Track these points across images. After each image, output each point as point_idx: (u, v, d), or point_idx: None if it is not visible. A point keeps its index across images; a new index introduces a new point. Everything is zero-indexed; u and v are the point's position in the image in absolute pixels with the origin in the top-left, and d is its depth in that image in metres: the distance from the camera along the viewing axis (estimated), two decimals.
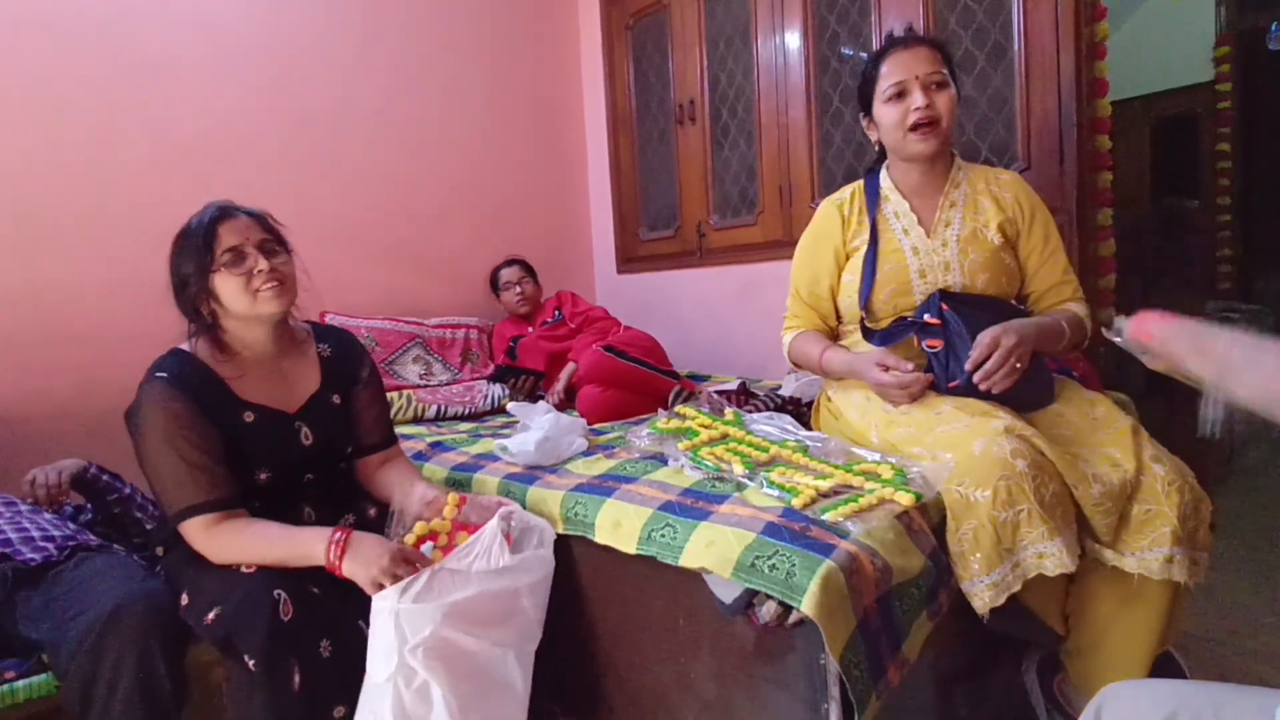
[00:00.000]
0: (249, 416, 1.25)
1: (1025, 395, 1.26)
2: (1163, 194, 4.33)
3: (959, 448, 1.16)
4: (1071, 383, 1.37)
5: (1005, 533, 1.08)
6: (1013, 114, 1.99)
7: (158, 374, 1.18)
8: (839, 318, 1.55)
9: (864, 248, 1.46)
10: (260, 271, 1.22)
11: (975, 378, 1.23)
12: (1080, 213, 1.91)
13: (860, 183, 1.53)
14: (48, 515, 1.51)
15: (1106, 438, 1.18)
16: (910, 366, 1.31)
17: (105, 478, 1.63)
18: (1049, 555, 1.07)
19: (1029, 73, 1.94)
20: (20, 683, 1.16)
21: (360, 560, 1.10)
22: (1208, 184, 4.17)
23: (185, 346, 1.26)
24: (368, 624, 1.17)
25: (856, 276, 1.46)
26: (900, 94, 1.35)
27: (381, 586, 1.08)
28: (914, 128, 1.34)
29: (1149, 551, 1.11)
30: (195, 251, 1.20)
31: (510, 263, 2.73)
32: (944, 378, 1.30)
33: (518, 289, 2.66)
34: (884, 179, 1.48)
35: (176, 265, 1.24)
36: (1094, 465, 1.15)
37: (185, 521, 1.15)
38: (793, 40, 2.48)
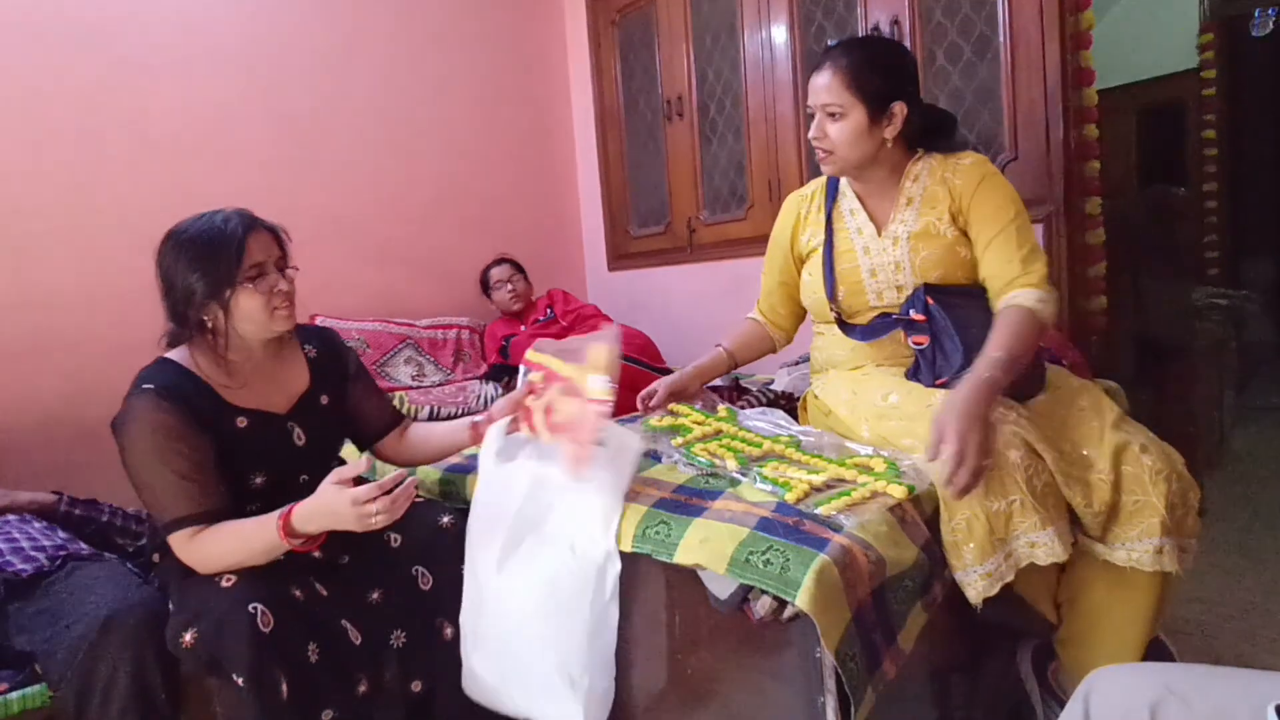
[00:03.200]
0: (241, 422, 1.23)
1: (1015, 386, 1.26)
2: (1150, 182, 4.36)
3: None
4: (1060, 371, 1.37)
5: (998, 523, 1.08)
6: (999, 105, 2.00)
7: (144, 385, 1.15)
8: (804, 312, 1.61)
9: (821, 247, 1.48)
10: (280, 291, 1.21)
11: (950, 495, 1.09)
12: (1069, 202, 1.93)
13: (824, 179, 1.53)
14: (37, 525, 1.51)
15: (1090, 432, 1.18)
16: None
17: (77, 511, 1.60)
18: (1041, 545, 1.08)
19: (1014, 63, 1.95)
20: (14, 694, 1.16)
21: (322, 515, 1.08)
22: (1194, 171, 4.20)
23: (172, 355, 1.23)
24: (352, 623, 1.18)
25: (816, 276, 1.49)
26: (812, 115, 1.39)
27: (370, 522, 1.06)
28: (816, 151, 1.39)
29: (1138, 543, 1.11)
30: (218, 262, 1.16)
31: (499, 261, 2.73)
32: (931, 374, 1.31)
33: (509, 286, 2.65)
34: (843, 177, 1.49)
35: (180, 271, 1.18)
36: (1080, 469, 1.15)
37: (173, 534, 1.13)
38: (779, 34, 2.48)
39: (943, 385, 1.28)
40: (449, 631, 1.28)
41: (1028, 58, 1.92)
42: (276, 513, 1.11)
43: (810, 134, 1.39)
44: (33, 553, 1.38)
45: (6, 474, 1.75)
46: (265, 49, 2.40)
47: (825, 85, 1.33)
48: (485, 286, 2.73)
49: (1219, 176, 4.14)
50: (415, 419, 1.55)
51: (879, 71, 1.33)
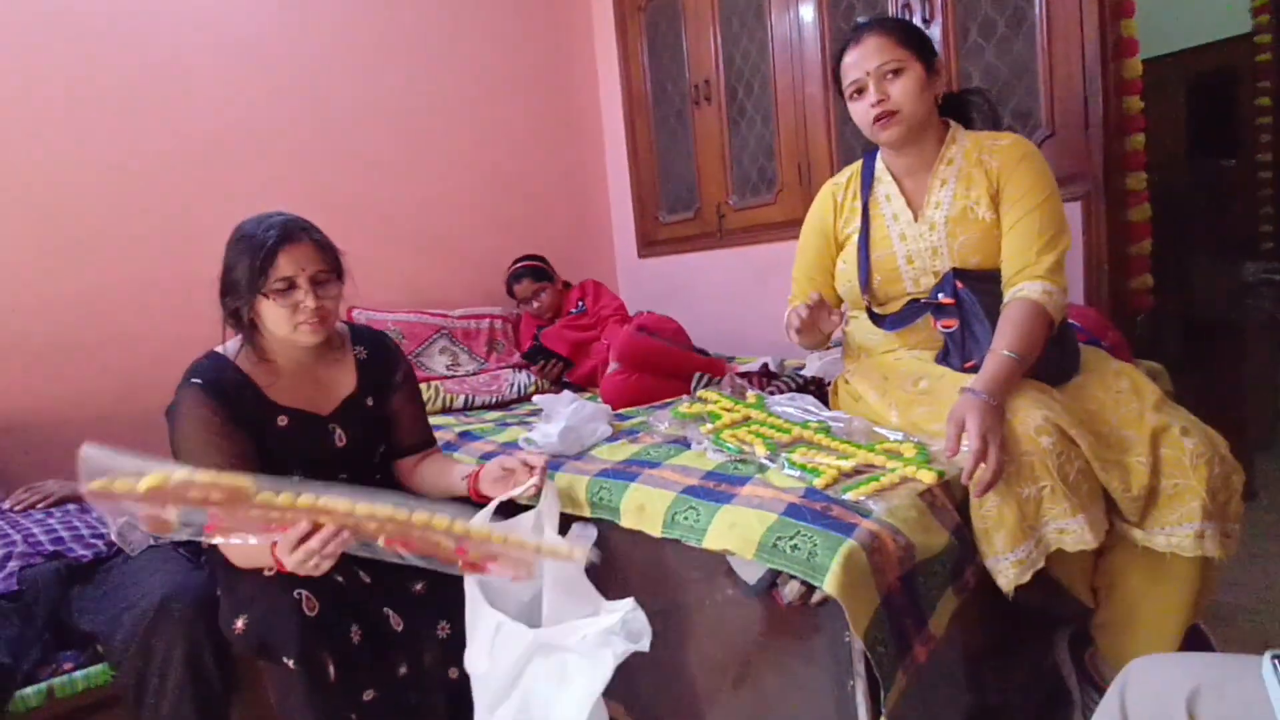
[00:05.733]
0: (282, 420, 1.26)
1: (1049, 367, 1.24)
2: (1199, 154, 4.18)
3: None
4: (1098, 352, 1.34)
5: (1028, 509, 1.07)
6: (1035, 80, 1.94)
7: (193, 379, 1.19)
8: (841, 301, 1.56)
9: (856, 235, 1.46)
10: (305, 308, 1.21)
11: (974, 495, 1.10)
12: (1109, 178, 1.86)
13: (860, 163, 1.52)
14: (96, 513, 1.58)
15: (1129, 415, 1.15)
16: (814, 301, 1.32)
17: None
18: (1070, 531, 1.06)
19: (1051, 36, 1.89)
20: (79, 673, 1.23)
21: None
22: (1247, 142, 4.01)
23: (221, 349, 1.27)
24: (394, 608, 1.21)
25: (850, 264, 1.47)
26: (859, 90, 1.36)
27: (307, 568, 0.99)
28: (876, 120, 1.35)
29: (1178, 527, 1.09)
30: (250, 268, 1.19)
31: (520, 275, 2.66)
32: (961, 357, 1.29)
33: (534, 304, 2.66)
34: (879, 160, 1.47)
35: (229, 268, 1.22)
36: (1117, 453, 1.13)
37: None
38: (807, 14, 2.44)
39: (972, 368, 1.26)
40: None
41: (1065, 30, 1.86)
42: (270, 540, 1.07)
43: (870, 100, 1.33)
44: (92, 539, 1.46)
45: (67, 465, 1.84)
46: (299, 46, 2.45)
47: (877, 47, 1.32)
48: (511, 294, 2.72)
49: (1273, 147, 3.95)
50: (438, 448, 1.53)
51: (918, 31, 1.36)
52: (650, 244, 3.20)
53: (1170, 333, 2.47)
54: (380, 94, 2.63)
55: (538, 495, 1.26)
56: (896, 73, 1.32)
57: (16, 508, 1.55)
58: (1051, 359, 1.25)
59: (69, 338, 2.01)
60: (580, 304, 2.65)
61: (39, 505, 1.56)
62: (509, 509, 1.24)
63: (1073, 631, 1.34)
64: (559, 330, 2.57)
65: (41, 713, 1.18)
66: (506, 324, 2.76)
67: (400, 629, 1.22)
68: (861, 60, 1.34)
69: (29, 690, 1.18)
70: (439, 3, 2.76)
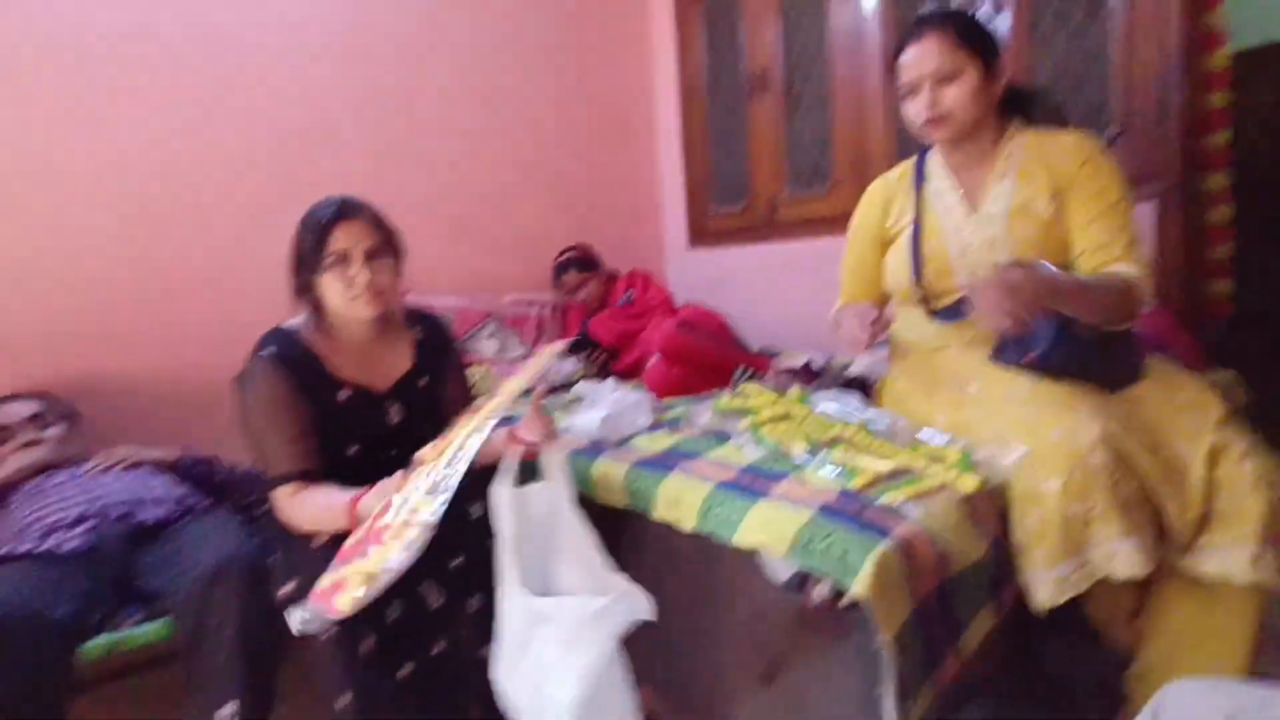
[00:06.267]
0: (342, 395, 1.33)
1: (1108, 373, 1.19)
2: None
3: (1033, 435, 1.10)
4: (1162, 362, 1.28)
5: (1074, 528, 1.03)
6: (1109, 72, 1.85)
7: (265, 350, 1.28)
8: (887, 299, 1.53)
9: (908, 229, 1.43)
10: (359, 282, 1.27)
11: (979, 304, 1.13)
12: (1186, 178, 1.77)
13: (913, 160, 1.49)
14: (162, 478, 1.67)
15: (1187, 429, 1.09)
16: (873, 317, 1.29)
17: (197, 467, 1.76)
18: (1120, 554, 1.01)
19: (1129, 27, 1.79)
20: (140, 628, 1.30)
21: (380, 498, 1.13)
22: None
23: (289, 324, 1.35)
24: (436, 585, 1.24)
25: (900, 258, 1.44)
26: (913, 91, 1.32)
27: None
28: (926, 123, 1.31)
29: (1231, 550, 1.02)
30: (308, 245, 1.28)
31: (567, 265, 2.68)
32: (1018, 351, 1.24)
33: (580, 294, 2.67)
34: (932, 155, 1.44)
35: (296, 246, 1.31)
36: (1174, 470, 1.07)
37: (278, 488, 1.25)
38: (868, 3, 2.38)
39: (1030, 363, 1.20)
40: None
41: (1144, 20, 1.76)
42: (350, 495, 1.18)
43: (921, 104, 1.30)
44: (158, 503, 1.55)
45: (141, 431, 1.95)
46: (359, 43, 2.51)
47: (934, 50, 1.28)
48: (558, 285, 2.74)
49: None
50: None
51: (979, 29, 1.31)
52: (701, 235, 3.18)
53: (1254, 340, 2.32)
54: (440, 86, 2.67)
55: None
56: (950, 77, 1.28)
57: (93, 471, 1.65)
58: (1113, 361, 1.20)
59: (147, 311, 2.13)
60: (629, 294, 2.66)
61: (113, 469, 1.66)
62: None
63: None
64: (606, 320, 2.58)
65: (104, 664, 1.26)
66: (555, 311, 2.79)
67: (438, 605, 1.26)
68: (918, 62, 1.30)
69: (95, 642, 1.26)
70: None
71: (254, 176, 2.28)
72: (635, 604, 1.05)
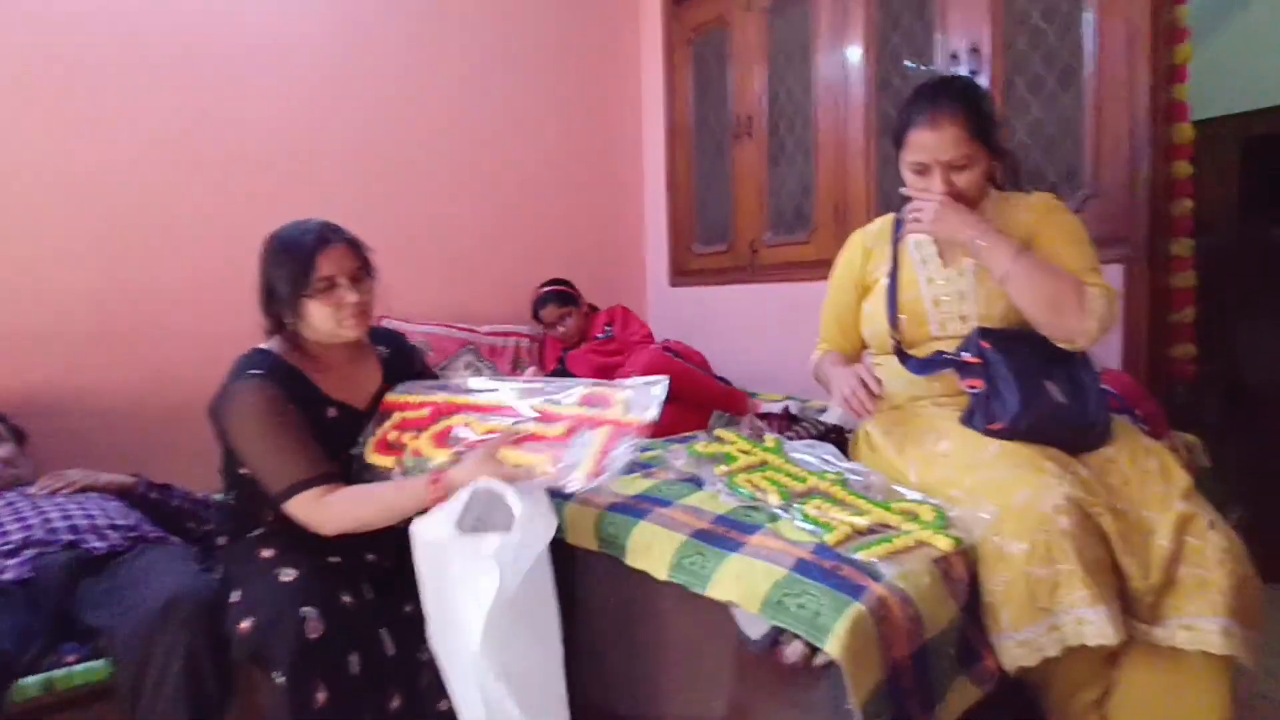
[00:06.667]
0: (332, 412, 1.33)
1: (1075, 437, 1.21)
2: (1251, 217, 4.06)
3: (1000, 495, 1.11)
4: (1128, 427, 1.30)
5: (1041, 590, 1.03)
6: (1080, 138, 1.91)
7: (251, 371, 1.24)
8: (865, 345, 1.58)
9: (884, 279, 1.47)
10: (348, 304, 1.28)
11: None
12: (1153, 242, 1.82)
13: (892, 216, 1.54)
14: (114, 504, 1.61)
15: (1154, 496, 1.11)
16: (877, 386, 1.34)
17: (153, 494, 1.70)
18: (1090, 623, 1.01)
19: (1101, 96, 1.86)
20: (79, 666, 1.23)
21: (467, 469, 1.13)
22: None
23: (266, 346, 1.33)
24: (389, 632, 1.21)
25: (876, 306, 1.48)
26: (922, 171, 1.35)
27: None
28: None
29: (1201, 619, 1.03)
30: (291, 272, 1.26)
31: (547, 299, 2.65)
32: (984, 418, 1.26)
33: (560, 328, 2.65)
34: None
35: (269, 275, 1.29)
36: (1138, 533, 1.08)
37: (295, 496, 1.19)
38: (853, 55, 2.44)
39: (997, 431, 1.23)
40: None
41: (1115, 91, 1.83)
42: (421, 478, 1.17)
43: (936, 187, 1.33)
44: (107, 531, 1.48)
45: (92, 455, 1.88)
46: (348, 69, 2.51)
47: (952, 140, 1.30)
48: (537, 318, 2.71)
49: None
50: None
51: (990, 117, 1.36)
52: (682, 273, 3.20)
53: (1212, 402, 2.39)
54: (425, 114, 2.68)
55: None
56: (966, 166, 1.32)
57: (40, 493, 1.58)
58: (1078, 423, 1.22)
59: (109, 328, 2.07)
60: (607, 329, 2.65)
61: (61, 492, 1.59)
62: None
63: None
64: (584, 354, 2.57)
65: (40, 702, 1.19)
66: (533, 343, 2.77)
67: (392, 654, 1.22)
68: (934, 148, 1.32)
69: (29, 680, 1.18)
70: (490, 27, 2.82)
71: (233, 199, 2.25)
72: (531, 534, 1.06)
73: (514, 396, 1.31)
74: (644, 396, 1.21)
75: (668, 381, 1.23)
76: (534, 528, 1.07)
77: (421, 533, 1.11)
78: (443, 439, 1.28)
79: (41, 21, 1.97)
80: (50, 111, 1.98)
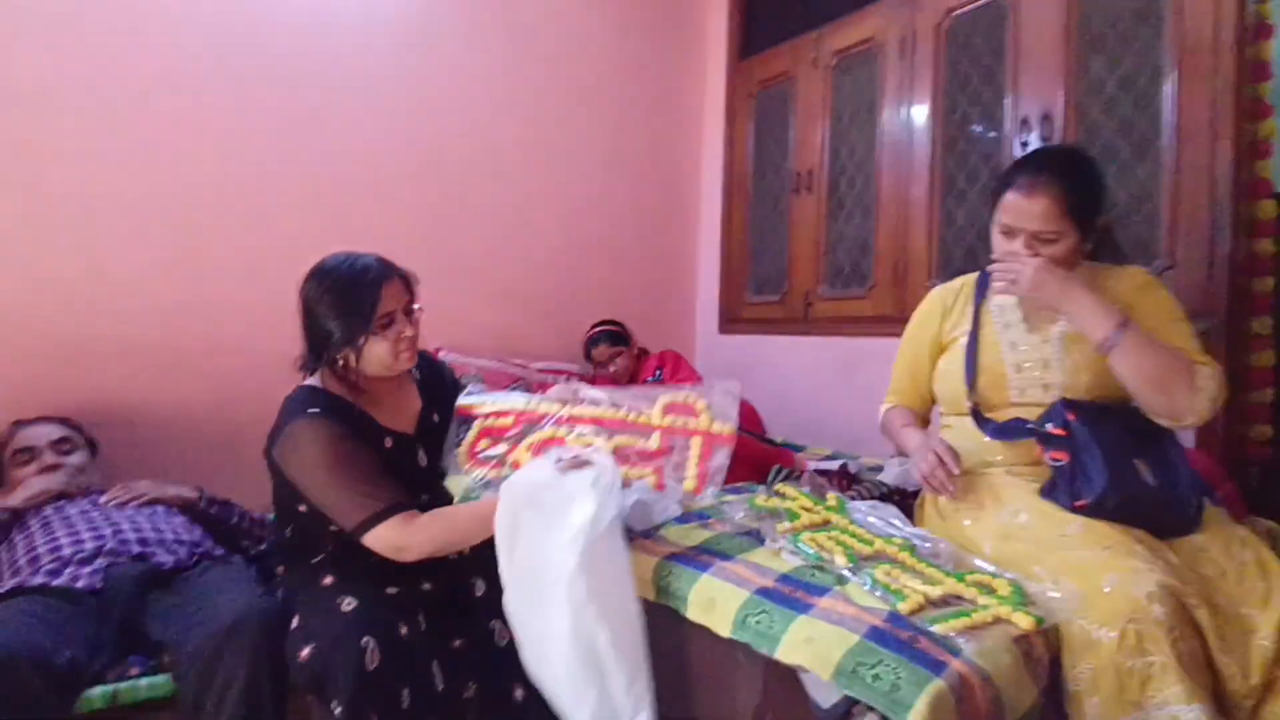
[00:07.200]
0: (388, 442, 1.33)
1: (1166, 520, 1.16)
2: None
3: (1086, 578, 1.07)
4: (1219, 513, 1.25)
5: (1131, 682, 0.98)
6: (1156, 210, 1.89)
7: (310, 409, 1.23)
8: (935, 401, 1.57)
9: (963, 338, 1.45)
10: (406, 338, 1.30)
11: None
12: (1231, 321, 1.78)
13: (975, 275, 1.52)
14: (179, 519, 1.64)
15: (1252, 592, 1.06)
16: (955, 465, 1.32)
17: (214, 509, 1.73)
18: None
19: (1179, 169, 1.84)
20: (143, 680, 1.25)
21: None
22: None
23: (315, 382, 1.32)
24: (439, 669, 1.21)
25: (953, 365, 1.46)
26: (1009, 233, 1.34)
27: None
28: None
29: None
30: (353, 310, 1.24)
31: (599, 339, 2.68)
32: (1069, 494, 1.22)
33: (610, 368, 2.67)
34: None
35: (321, 314, 1.26)
36: (1236, 630, 1.03)
37: (376, 527, 1.18)
38: (919, 116, 2.46)
39: (1082, 509, 1.19)
40: (519, 694, 1.26)
41: (1195, 163, 1.81)
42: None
43: (1020, 251, 1.33)
44: (175, 545, 1.51)
45: (158, 465, 1.93)
46: (428, 99, 2.61)
47: (1042, 213, 1.29)
48: (589, 357, 2.75)
49: None
50: None
51: (1093, 195, 1.34)
52: (733, 321, 3.21)
53: None
54: (493, 150, 2.76)
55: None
56: (1053, 240, 1.31)
57: (110, 503, 1.62)
58: (1169, 505, 1.17)
59: (179, 343, 2.14)
60: (658, 372, 2.66)
61: (130, 503, 1.63)
62: None
63: None
64: None
65: (103, 714, 1.21)
66: (583, 383, 2.78)
67: (441, 689, 1.21)
68: (1024, 215, 1.31)
69: (95, 691, 1.20)
70: (558, 72, 2.91)
71: (303, 224, 2.33)
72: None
73: (599, 409, 1.36)
74: (724, 403, 1.29)
75: (738, 385, 1.32)
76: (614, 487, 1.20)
77: (516, 478, 1.20)
78: (540, 451, 1.30)
79: (136, 54, 2.07)
80: (138, 135, 2.08)
